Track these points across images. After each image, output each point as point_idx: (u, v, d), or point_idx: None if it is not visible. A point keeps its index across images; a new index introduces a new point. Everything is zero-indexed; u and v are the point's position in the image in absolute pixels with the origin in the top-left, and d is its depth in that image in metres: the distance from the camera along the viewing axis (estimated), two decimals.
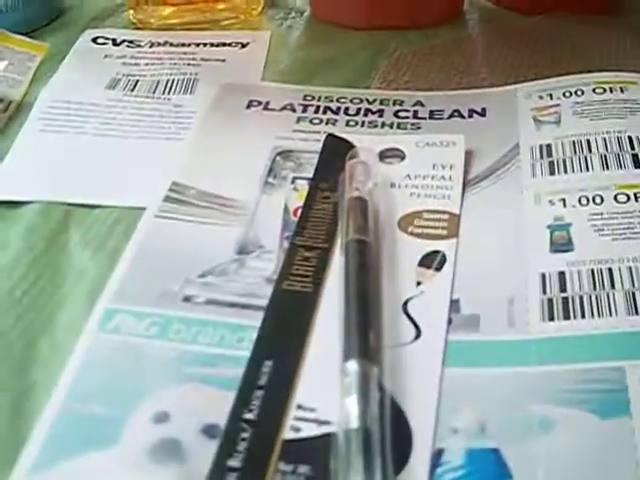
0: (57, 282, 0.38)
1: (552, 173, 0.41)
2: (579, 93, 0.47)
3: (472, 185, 0.41)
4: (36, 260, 0.39)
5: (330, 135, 0.44)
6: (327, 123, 0.47)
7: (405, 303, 0.34)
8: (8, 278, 0.38)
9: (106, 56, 0.56)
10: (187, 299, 0.35)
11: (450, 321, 0.34)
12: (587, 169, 0.41)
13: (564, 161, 0.42)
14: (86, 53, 0.56)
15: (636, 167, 0.41)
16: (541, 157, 0.43)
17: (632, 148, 0.42)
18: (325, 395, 0.31)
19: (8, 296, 0.37)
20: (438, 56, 0.54)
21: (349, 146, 0.43)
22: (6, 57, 0.55)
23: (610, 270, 0.35)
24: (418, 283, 0.36)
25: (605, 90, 0.47)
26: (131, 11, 0.60)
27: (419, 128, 0.46)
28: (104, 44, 0.57)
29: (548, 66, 0.52)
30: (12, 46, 0.56)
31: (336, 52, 0.55)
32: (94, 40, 0.58)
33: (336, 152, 0.43)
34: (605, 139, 0.43)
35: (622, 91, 0.47)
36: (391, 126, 0.46)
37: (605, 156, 0.42)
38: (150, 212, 0.40)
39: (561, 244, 0.37)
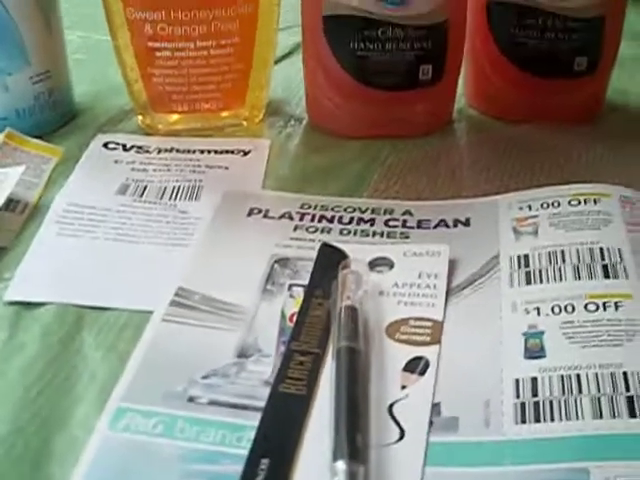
0: (71, 382, 0.40)
1: (528, 282, 0.44)
2: (556, 205, 0.50)
3: (454, 293, 0.44)
4: (51, 361, 0.41)
5: (324, 244, 0.47)
6: (322, 231, 0.49)
7: (390, 406, 0.37)
8: (25, 377, 0.40)
9: (116, 161, 0.59)
10: (191, 399, 0.38)
11: (431, 423, 0.37)
12: (561, 279, 0.44)
13: (540, 271, 0.45)
14: (98, 158, 0.59)
15: (605, 277, 0.44)
16: (519, 267, 0.45)
17: (602, 259, 0.45)
18: None
19: (25, 394, 0.39)
20: (427, 166, 0.58)
21: (342, 255, 0.46)
22: (22, 160, 0.57)
23: (578, 376, 0.38)
24: (403, 387, 0.39)
25: (580, 202, 0.50)
26: (140, 117, 0.63)
27: (407, 237, 0.49)
28: (114, 149, 0.60)
29: (529, 176, 0.56)
30: (28, 149, 0.59)
31: (331, 161, 0.59)
32: (105, 145, 0.61)
33: (330, 260, 0.46)
34: (578, 250, 0.46)
35: (595, 202, 0.50)
36: (382, 235, 0.49)
37: (578, 266, 0.45)
38: (157, 315, 0.43)
39: (534, 351, 0.40)
